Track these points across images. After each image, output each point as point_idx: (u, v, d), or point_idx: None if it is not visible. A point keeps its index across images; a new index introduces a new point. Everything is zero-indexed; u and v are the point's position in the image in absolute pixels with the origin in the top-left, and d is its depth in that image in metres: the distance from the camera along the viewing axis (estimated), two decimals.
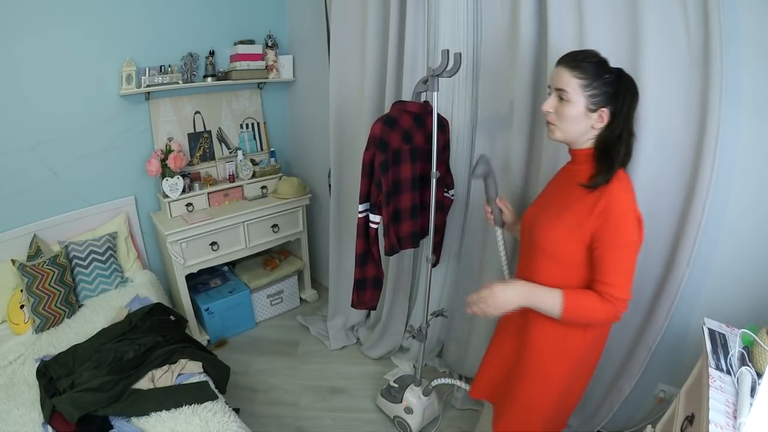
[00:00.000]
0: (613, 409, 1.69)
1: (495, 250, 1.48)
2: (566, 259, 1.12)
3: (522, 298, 1.13)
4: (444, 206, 1.85)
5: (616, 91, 1.04)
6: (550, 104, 1.11)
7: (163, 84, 2.31)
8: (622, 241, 1.03)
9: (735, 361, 1.07)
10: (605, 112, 1.05)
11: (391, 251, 1.70)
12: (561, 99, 1.08)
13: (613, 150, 1.06)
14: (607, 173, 1.05)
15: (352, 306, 1.84)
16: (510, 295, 1.13)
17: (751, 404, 0.92)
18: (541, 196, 1.29)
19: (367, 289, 1.79)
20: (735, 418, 0.93)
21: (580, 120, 1.07)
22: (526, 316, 1.22)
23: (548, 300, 1.10)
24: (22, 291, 1.98)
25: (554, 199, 1.19)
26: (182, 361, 1.72)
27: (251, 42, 2.61)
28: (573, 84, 1.05)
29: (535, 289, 1.13)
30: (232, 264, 2.88)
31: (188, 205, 2.47)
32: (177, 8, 2.40)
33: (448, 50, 1.40)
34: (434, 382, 1.93)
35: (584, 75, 1.04)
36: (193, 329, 2.51)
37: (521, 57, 1.57)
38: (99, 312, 2.06)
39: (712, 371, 1.05)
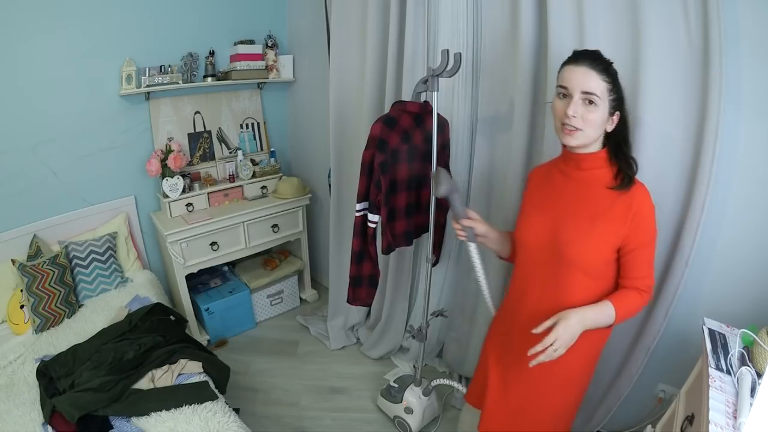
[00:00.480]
0: (612, 409, 1.69)
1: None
2: (600, 270, 1.10)
3: (581, 326, 1.05)
4: (442, 206, 1.85)
5: (623, 94, 1.05)
6: (576, 109, 1.03)
7: (163, 84, 2.31)
8: (652, 236, 1.08)
9: (735, 361, 1.07)
10: (617, 116, 1.05)
11: (388, 250, 1.70)
12: (588, 103, 1.02)
13: (626, 148, 1.08)
14: (632, 171, 1.07)
15: (347, 302, 1.84)
16: (574, 329, 1.04)
17: (751, 404, 0.92)
18: (541, 208, 1.18)
19: (363, 286, 1.79)
20: (735, 418, 0.92)
21: (603, 125, 1.05)
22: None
23: (602, 318, 1.08)
24: (22, 291, 1.98)
25: (575, 209, 1.11)
26: (182, 361, 1.72)
27: (251, 42, 2.62)
28: (602, 88, 1.01)
29: (586, 312, 1.06)
30: (232, 264, 2.88)
31: (188, 205, 2.47)
32: (177, 8, 2.40)
33: (448, 50, 1.39)
34: (434, 382, 1.93)
35: (610, 79, 1.02)
36: (193, 329, 2.51)
37: (521, 57, 1.57)
38: (99, 312, 2.06)
39: (712, 371, 1.05)
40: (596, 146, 1.09)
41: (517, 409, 1.29)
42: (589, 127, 1.04)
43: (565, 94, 1.05)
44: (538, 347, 1.03)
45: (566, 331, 1.03)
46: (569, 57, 1.07)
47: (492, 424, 1.33)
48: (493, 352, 1.37)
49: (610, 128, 1.06)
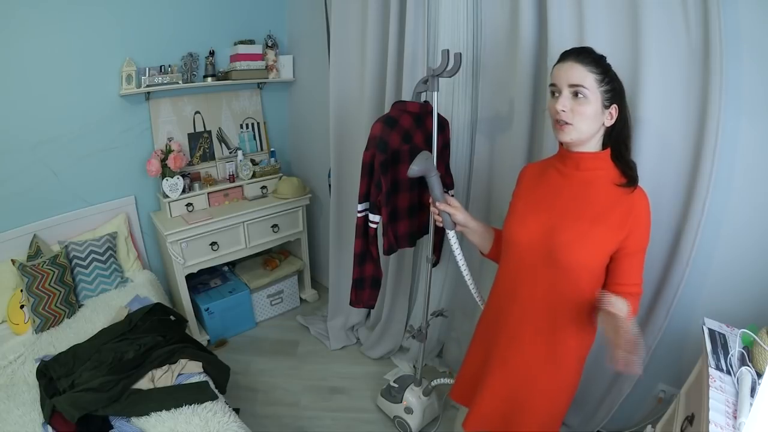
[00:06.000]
0: (612, 409, 1.69)
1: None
2: (594, 273, 1.07)
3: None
4: None
5: (619, 86, 1.03)
6: (565, 103, 1.01)
7: (163, 84, 2.31)
8: (647, 241, 1.05)
9: (735, 361, 1.07)
10: (615, 109, 1.03)
11: (389, 250, 1.70)
12: (576, 96, 1.01)
13: (627, 152, 1.06)
14: (636, 174, 1.05)
15: (350, 305, 1.84)
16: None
17: (751, 404, 0.92)
18: (536, 207, 1.14)
19: (366, 288, 1.79)
20: (735, 418, 0.93)
21: (596, 118, 1.02)
22: (552, 333, 1.15)
23: None
24: (22, 291, 1.98)
25: (573, 211, 1.07)
26: (182, 361, 1.72)
27: (251, 42, 2.62)
28: (590, 79, 0.99)
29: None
30: (232, 264, 2.88)
31: (188, 205, 2.47)
32: (177, 8, 2.40)
33: (448, 50, 1.39)
34: (434, 382, 1.93)
35: (598, 69, 1.00)
36: (193, 329, 2.51)
37: (521, 57, 1.57)
38: (99, 312, 2.06)
39: (712, 371, 1.05)
40: (595, 145, 1.07)
41: (504, 413, 1.27)
42: (581, 120, 1.01)
43: (555, 92, 1.05)
44: (623, 353, 0.89)
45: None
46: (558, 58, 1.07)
47: (478, 425, 1.31)
48: (482, 353, 1.34)
49: (608, 122, 1.04)
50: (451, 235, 1.34)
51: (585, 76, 1.00)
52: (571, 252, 1.05)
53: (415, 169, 1.26)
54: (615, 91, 1.02)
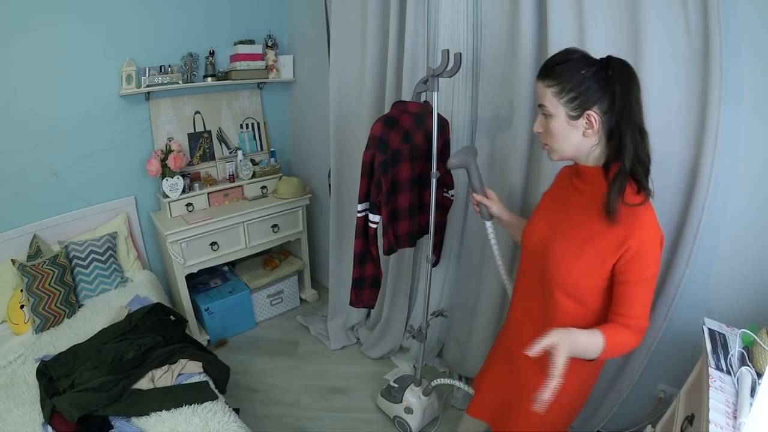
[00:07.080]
0: (612, 409, 1.69)
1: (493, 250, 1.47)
2: (585, 295, 1.02)
3: (572, 342, 0.92)
4: (444, 206, 1.86)
5: (602, 85, 0.90)
6: (538, 123, 1.02)
7: (163, 84, 2.31)
8: (650, 273, 0.95)
9: (735, 361, 1.07)
10: (592, 115, 0.92)
11: (389, 250, 1.70)
12: (546, 115, 0.99)
13: (632, 160, 0.90)
14: (613, 199, 0.90)
15: (350, 304, 1.84)
16: (567, 340, 0.91)
17: (751, 404, 0.92)
18: (548, 213, 1.13)
19: (365, 288, 1.79)
20: (735, 418, 0.93)
21: (567, 132, 0.96)
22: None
23: (591, 347, 0.95)
24: (22, 291, 1.98)
25: (571, 227, 1.03)
26: (182, 361, 1.72)
27: (251, 42, 2.62)
28: (548, 94, 0.96)
29: (577, 337, 0.93)
30: (232, 264, 2.88)
31: (188, 205, 2.47)
32: (177, 8, 2.40)
33: (448, 50, 1.40)
34: (434, 382, 1.93)
35: (554, 81, 0.94)
36: (193, 329, 2.51)
37: (521, 57, 1.57)
38: (99, 312, 2.06)
39: (712, 371, 1.05)
40: (596, 159, 0.99)
41: (500, 408, 1.31)
42: (551, 139, 1.00)
43: None
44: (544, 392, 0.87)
45: (562, 339, 0.89)
46: None
47: (476, 412, 1.37)
48: (496, 344, 1.41)
49: (590, 132, 0.94)
50: (488, 224, 1.41)
51: (544, 94, 0.97)
52: (557, 267, 1.03)
53: (453, 162, 1.34)
54: (586, 94, 0.91)
